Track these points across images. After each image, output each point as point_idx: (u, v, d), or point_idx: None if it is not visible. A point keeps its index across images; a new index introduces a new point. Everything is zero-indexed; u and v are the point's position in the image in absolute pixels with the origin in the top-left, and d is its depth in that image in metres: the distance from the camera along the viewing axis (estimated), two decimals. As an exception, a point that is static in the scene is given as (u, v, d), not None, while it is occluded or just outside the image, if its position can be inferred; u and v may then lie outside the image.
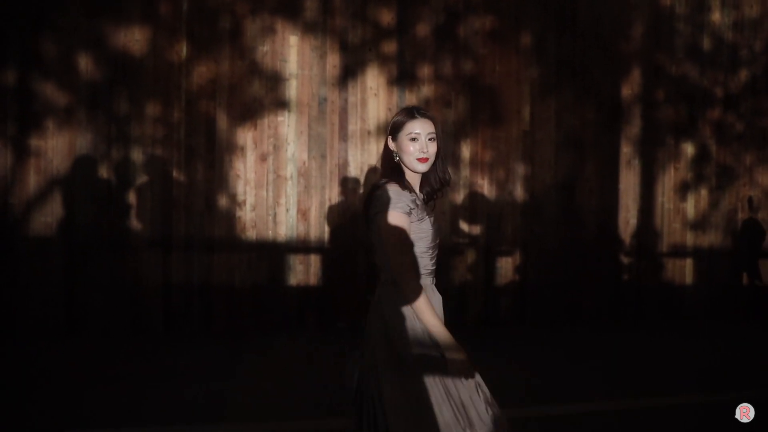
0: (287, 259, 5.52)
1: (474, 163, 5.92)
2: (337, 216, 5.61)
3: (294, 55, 5.55)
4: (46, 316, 5.07)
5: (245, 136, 5.45)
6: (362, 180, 5.65)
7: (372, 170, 5.60)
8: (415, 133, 2.01)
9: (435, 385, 1.91)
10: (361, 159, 5.66)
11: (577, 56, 6.18)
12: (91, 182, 5.15)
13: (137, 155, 5.24)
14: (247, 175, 5.45)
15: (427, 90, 5.79)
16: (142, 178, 5.26)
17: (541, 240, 6.08)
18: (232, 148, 5.42)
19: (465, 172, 5.88)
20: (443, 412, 1.89)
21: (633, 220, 6.36)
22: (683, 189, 6.52)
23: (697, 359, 4.93)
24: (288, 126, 5.53)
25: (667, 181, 6.47)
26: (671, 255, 6.49)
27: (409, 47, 5.75)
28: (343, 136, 5.64)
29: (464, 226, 5.93)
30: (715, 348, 5.34)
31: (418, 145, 2.00)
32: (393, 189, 1.98)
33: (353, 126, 5.65)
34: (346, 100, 5.64)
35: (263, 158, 5.48)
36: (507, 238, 6.01)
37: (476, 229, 5.94)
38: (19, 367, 4.32)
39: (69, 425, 3.23)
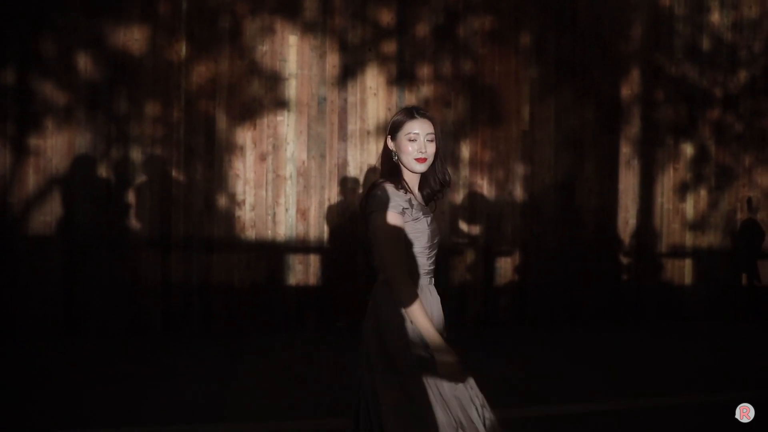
0: (286, 258, 5.52)
1: (473, 163, 5.92)
2: (336, 216, 5.61)
3: (293, 55, 5.55)
4: (46, 316, 5.06)
5: (245, 136, 5.44)
6: (362, 180, 5.65)
7: (371, 170, 5.59)
8: (414, 134, 2.01)
9: (428, 386, 1.90)
10: (361, 159, 5.66)
11: (576, 56, 6.18)
12: (90, 182, 5.15)
13: (136, 155, 5.23)
14: (246, 175, 5.45)
15: (426, 90, 5.79)
16: (141, 178, 5.25)
17: (541, 240, 6.08)
18: (231, 148, 5.42)
19: (464, 172, 5.89)
20: (436, 413, 1.89)
21: (632, 221, 6.37)
22: (682, 189, 6.52)
23: (697, 359, 4.94)
24: (287, 126, 5.53)
25: (667, 181, 6.47)
26: (670, 255, 6.49)
27: (409, 47, 5.75)
28: (343, 135, 5.64)
29: (464, 226, 5.93)
30: (715, 348, 5.34)
31: (417, 146, 2.00)
32: (387, 189, 1.98)
33: (353, 126, 5.65)
34: (345, 100, 5.64)
35: (262, 158, 5.48)
36: (506, 238, 6.01)
37: (476, 229, 5.95)
38: (19, 367, 4.32)
39: (68, 425, 3.23)
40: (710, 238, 6.61)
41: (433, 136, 2.03)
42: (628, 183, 6.35)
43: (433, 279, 2.07)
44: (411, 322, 1.93)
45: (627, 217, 6.35)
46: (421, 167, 2.03)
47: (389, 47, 5.71)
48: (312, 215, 5.57)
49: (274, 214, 5.50)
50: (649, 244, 6.41)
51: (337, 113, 5.63)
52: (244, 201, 5.44)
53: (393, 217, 1.94)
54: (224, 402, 3.66)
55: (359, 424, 2.03)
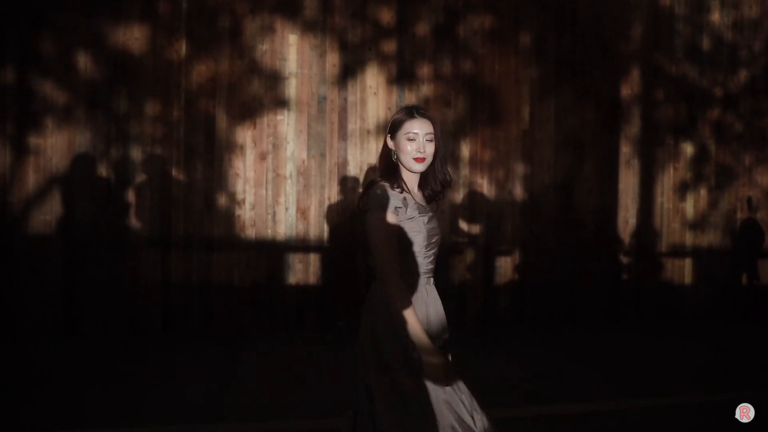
0: (286, 258, 5.52)
1: (473, 163, 5.91)
2: (336, 215, 5.61)
3: (293, 54, 5.55)
4: (45, 316, 5.06)
5: (244, 135, 5.44)
6: (361, 179, 5.64)
7: (372, 169, 5.59)
8: (413, 133, 2.01)
9: (421, 387, 1.90)
10: (361, 158, 5.65)
11: (576, 56, 6.18)
12: (90, 181, 5.14)
13: (136, 154, 5.23)
14: (246, 174, 5.45)
15: (426, 89, 5.79)
16: (141, 177, 5.25)
17: (541, 239, 6.08)
18: (231, 147, 5.42)
19: (464, 171, 5.88)
20: (431, 413, 1.89)
21: (632, 220, 6.37)
22: (682, 189, 6.52)
23: (697, 359, 4.94)
24: (287, 125, 5.53)
25: (667, 181, 6.47)
26: (670, 255, 6.49)
27: (409, 46, 5.75)
28: (343, 135, 5.63)
29: (463, 225, 5.93)
30: (715, 348, 5.34)
31: (416, 145, 2.00)
32: (382, 188, 1.98)
33: (353, 125, 5.65)
34: (345, 99, 5.64)
35: (262, 157, 5.48)
36: (506, 237, 6.01)
37: (475, 229, 5.94)
38: (18, 367, 4.32)
39: (68, 425, 3.23)
40: (710, 238, 6.61)
41: (433, 136, 2.03)
42: (628, 183, 6.35)
43: (432, 278, 2.07)
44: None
45: (627, 217, 6.35)
46: (420, 167, 2.03)
47: (389, 46, 5.71)
48: (312, 214, 5.57)
49: (274, 214, 5.50)
50: (649, 243, 6.41)
51: (337, 112, 5.62)
52: (244, 200, 5.44)
53: (384, 217, 1.93)
54: (224, 402, 3.66)
55: (358, 423, 2.03)
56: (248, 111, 5.44)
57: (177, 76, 5.31)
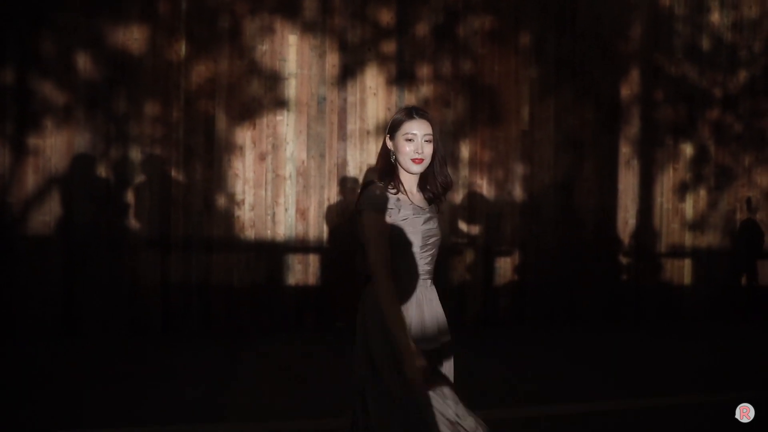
0: (286, 258, 5.52)
1: (473, 163, 5.92)
2: (335, 216, 5.60)
3: (293, 55, 5.55)
4: (45, 316, 5.06)
5: (244, 136, 5.44)
6: (361, 180, 5.64)
7: (371, 170, 5.59)
8: (412, 134, 2.00)
9: (409, 388, 1.90)
10: (360, 159, 5.65)
11: (576, 56, 6.18)
12: (89, 181, 5.14)
13: (136, 154, 5.23)
14: (245, 175, 5.45)
15: (426, 90, 5.79)
16: (140, 178, 5.25)
17: (540, 240, 6.08)
18: (230, 148, 5.42)
19: (464, 171, 5.88)
20: (422, 414, 1.89)
21: (632, 221, 6.37)
22: (682, 189, 6.53)
23: (697, 359, 4.94)
24: (287, 125, 5.53)
25: (666, 181, 6.48)
26: (670, 255, 6.49)
27: (409, 47, 5.75)
28: (342, 135, 5.63)
29: (463, 226, 5.93)
30: (715, 348, 5.34)
31: (414, 146, 2.00)
32: (377, 188, 1.98)
33: (352, 125, 5.65)
34: (345, 100, 5.64)
35: (262, 158, 5.48)
36: (506, 238, 6.01)
37: (475, 229, 5.94)
38: (19, 367, 4.31)
39: (68, 425, 3.22)
40: (710, 238, 6.61)
41: (431, 137, 2.02)
42: (628, 183, 6.35)
43: (430, 280, 2.07)
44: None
45: (626, 217, 6.36)
46: (417, 168, 2.02)
47: (389, 47, 5.71)
48: (311, 215, 5.57)
49: (274, 214, 5.50)
50: (648, 244, 6.41)
51: (336, 113, 5.62)
52: (243, 201, 5.44)
53: (376, 217, 1.93)
54: (224, 402, 3.66)
55: (357, 423, 2.03)
56: (248, 111, 5.44)
57: (176, 77, 5.31)
